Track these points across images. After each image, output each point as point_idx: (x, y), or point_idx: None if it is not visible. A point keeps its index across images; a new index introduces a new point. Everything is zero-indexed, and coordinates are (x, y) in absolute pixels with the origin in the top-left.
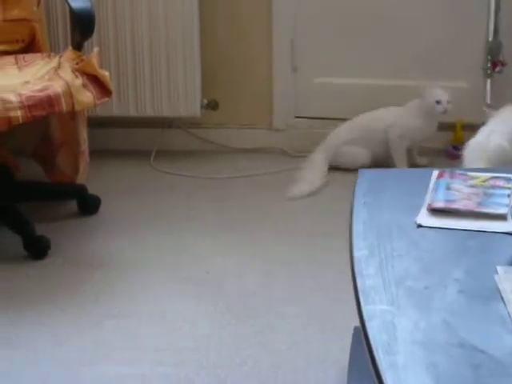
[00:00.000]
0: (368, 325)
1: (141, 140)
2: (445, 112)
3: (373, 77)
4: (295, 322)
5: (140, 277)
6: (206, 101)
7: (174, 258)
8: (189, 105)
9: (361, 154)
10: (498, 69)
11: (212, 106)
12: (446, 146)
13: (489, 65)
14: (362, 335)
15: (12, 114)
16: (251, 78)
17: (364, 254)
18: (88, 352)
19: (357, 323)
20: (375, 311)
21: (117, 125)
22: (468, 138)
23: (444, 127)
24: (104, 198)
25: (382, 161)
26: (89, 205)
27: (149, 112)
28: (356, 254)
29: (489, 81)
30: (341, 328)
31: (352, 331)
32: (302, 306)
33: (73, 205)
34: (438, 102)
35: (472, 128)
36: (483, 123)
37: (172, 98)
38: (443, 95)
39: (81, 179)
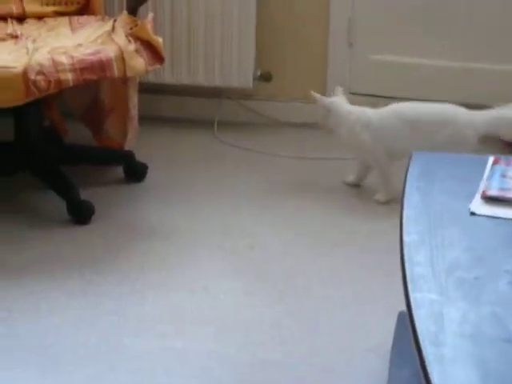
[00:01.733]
0: (415, 313)
1: (192, 109)
2: None
3: (430, 57)
4: (338, 303)
5: (185, 248)
6: (259, 72)
7: (219, 230)
8: (241, 75)
9: None
10: None
11: (265, 77)
12: None
13: None
14: (408, 323)
15: (63, 76)
16: (306, 51)
17: (414, 239)
18: (129, 323)
19: (402, 308)
20: (423, 300)
21: (168, 92)
22: None
23: None
24: (151, 166)
25: None
26: (135, 172)
27: (201, 81)
28: (406, 239)
29: None
30: (386, 312)
31: (397, 316)
32: (345, 287)
33: (119, 171)
34: None
35: None
36: None
37: (225, 68)
38: None
39: (129, 145)
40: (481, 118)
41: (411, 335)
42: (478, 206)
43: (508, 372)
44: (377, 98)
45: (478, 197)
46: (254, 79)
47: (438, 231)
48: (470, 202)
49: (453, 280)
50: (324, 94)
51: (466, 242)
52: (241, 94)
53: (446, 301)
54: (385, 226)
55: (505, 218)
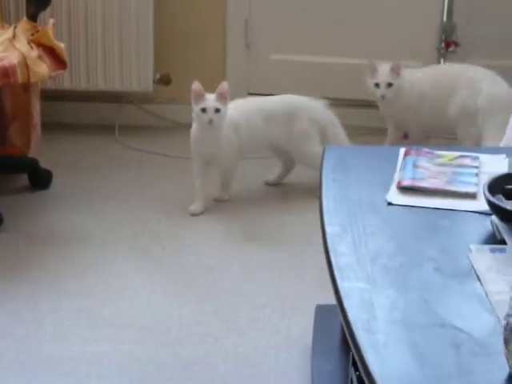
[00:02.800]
0: (346, 302)
1: (93, 114)
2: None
3: (327, 55)
4: (256, 299)
5: (97, 253)
6: (158, 75)
7: (129, 233)
8: (141, 79)
9: None
10: (451, 49)
11: (165, 80)
12: None
13: (442, 44)
14: (339, 312)
15: None
16: (205, 53)
17: (336, 230)
18: (47, 330)
19: (318, 301)
20: (352, 289)
21: (68, 98)
22: None
23: None
24: (56, 173)
25: None
26: (40, 179)
27: (100, 86)
28: (328, 230)
29: (442, 60)
30: (303, 305)
31: (314, 309)
32: (262, 283)
33: (24, 179)
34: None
35: None
36: None
37: (124, 72)
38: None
39: (33, 153)
40: (320, 107)
41: (343, 324)
42: (394, 196)
43: (441, 355)
44: None
45: (393, 187)
46: (154, 82)
47: (359, 221)
48: (386, 192)
49: (378, 268)
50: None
51: (386, 231)
52: (141, 98)
53: (373, 289)
54: (298, 220)
55: (420, 207)
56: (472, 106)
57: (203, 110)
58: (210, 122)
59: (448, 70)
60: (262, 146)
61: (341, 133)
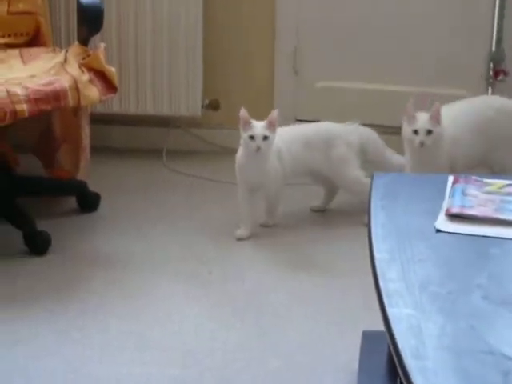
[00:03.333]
0: (395, 328)
1: (141, 138)
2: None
3: (374, 82)
4: (302, 324)
5: (143, 276)
6: (207, 101)
7: (176, 257)
8: (190, 104)
9: None
10: (500, 78)
11: (213, 106)
12: None
13: (491, 73)
14: (388, 339)
15: (18, 107)
16: (253, 79)
17: (385, 257)
18: (94, 351)
19: (364, 327)
20: (400, 315)
21: (117, 122)
22: None
23: None
24: (103, 196)
25: None
26: (89, 202)
27: (149, 110)
28: (377, 256)
29: (490, 89)
30: (349, 331)
31: (360, 335)
32: (307, 308)
33: (72, 201)
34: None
35: None
36: None
37: (173, 97)
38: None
39: (81, 175)
40: (354, 130)
41: (392, 350)
42: (442, 223)
43: (489, 382)
44: None
45: (442, 214)
46: (202, 107)
47: (408, 248)
48: (434, 219)
49: (427, 295)
50: None
51: (435, 258)
52: (189, 123)
53: (422, 315)
54: (343, 246)
55: (469, 235)
56: None
57: (251, 138)
58: (258, 149)
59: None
60: (303, 172)
61: (379, 145)
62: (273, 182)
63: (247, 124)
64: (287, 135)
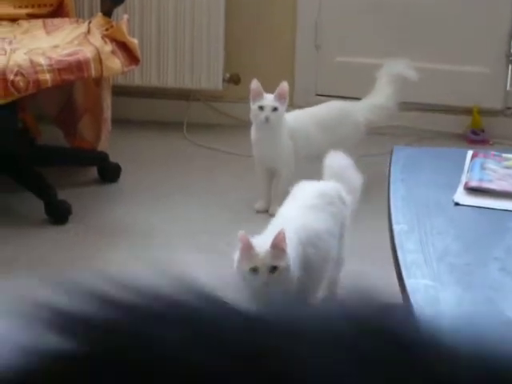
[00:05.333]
0: (412, 298)
1: (161, 111)
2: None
3: (395, 58)
4: None
5: (162, 247)
6: (228, 74)
7: (195, 229)
8: (211, 77)
9: None
10: None
11: (234, 80)
12: (464, 131)
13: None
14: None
15: (41, 76)
16: (274, 54)
17: (404, 228)
18: None
19: None
20: (418, 285)
21: (138, 94)
22: (486, 123)
23: (461, 112)
24: (124, 167)
25: None
26: (109, 173)
27: (170, 83)
28: (396, 228)
29: (511, 67)
30: None
31: None
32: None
33: (93, 172)
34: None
35: (489, 113)
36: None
37: (194, 70)
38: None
39: (102, 147)
40: (363, 106)
41: None
42: (461, 196)
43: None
44: (342, 99)
45: (460, 188)
46: (223, 81)
47: (426, 220)
48: (453, 192)
49: (444, 266)
50: (292, 95)
51: (453, 231)
52: (210, 96)
53: (440, 286)
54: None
55: (487, 208)
56: None
57: (260, 108)
58: (267, 119)
59: None
60: (317, 154)
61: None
62: (285, 162)
63: (258, 96)
64: (301, 116)
